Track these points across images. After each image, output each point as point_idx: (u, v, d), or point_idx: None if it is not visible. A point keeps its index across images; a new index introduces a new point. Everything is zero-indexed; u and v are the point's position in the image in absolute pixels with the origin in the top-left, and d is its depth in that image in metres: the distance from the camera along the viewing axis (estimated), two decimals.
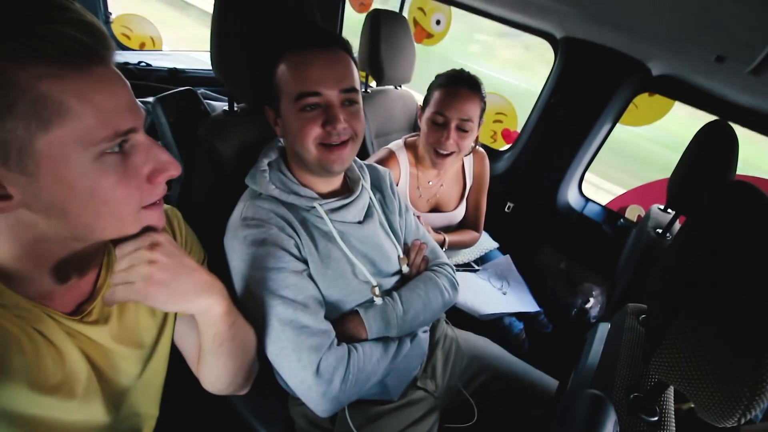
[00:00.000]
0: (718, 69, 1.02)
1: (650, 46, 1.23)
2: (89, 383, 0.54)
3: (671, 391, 0.51)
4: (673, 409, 0.49)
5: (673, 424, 0.47)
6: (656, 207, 1.36)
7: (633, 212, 1.92)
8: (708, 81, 1.29)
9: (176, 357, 0.71)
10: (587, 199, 1.88)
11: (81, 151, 0.41)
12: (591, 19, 1.21)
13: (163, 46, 2.58)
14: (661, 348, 0.38)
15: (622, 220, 1.77)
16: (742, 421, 0.35)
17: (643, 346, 0.45)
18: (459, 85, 1.15)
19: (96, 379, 0.55)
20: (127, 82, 0.46)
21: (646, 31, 1.06)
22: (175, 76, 1.94)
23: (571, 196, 1.83)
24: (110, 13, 2.24)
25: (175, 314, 0.68)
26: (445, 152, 1.18)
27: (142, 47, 2.46)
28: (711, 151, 1.06)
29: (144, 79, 1.84)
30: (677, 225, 1.19)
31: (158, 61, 1.98)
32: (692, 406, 0.40)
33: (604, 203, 1.89)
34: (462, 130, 1.16)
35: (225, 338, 0.61)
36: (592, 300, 1.66)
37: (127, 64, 1.85)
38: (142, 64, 1.89)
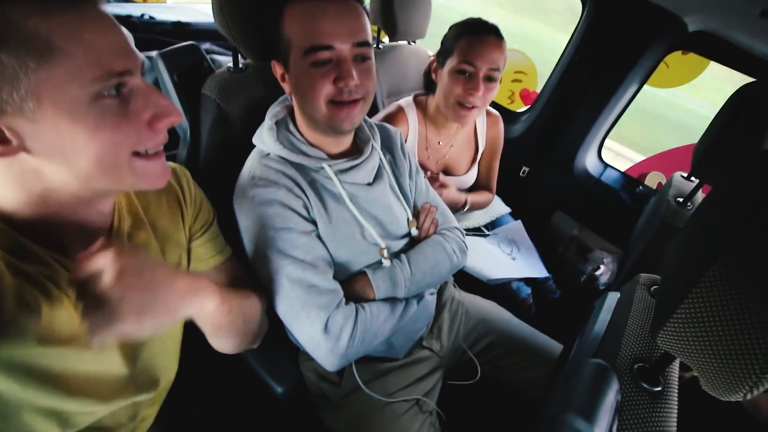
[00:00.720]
0: (763, 25, 0.93)
1: None
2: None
3: (677, 362, 0.51)
4: (677, 379, 0.49)
5: (676, 394, 0.47)
6: (679, 174, 1.31)
7: (653, 179, 1.86)
8: (750, 39, 1.19)
9: (191, 327, 0.73)
10: (606, 165, 1.81)
11: (76, 91, 0.41)
12: None
13: None
14: (672, 320, 0.37)
15: (641, 187, 1.71)
16: (748, 396, 0.34)
17: (652, 317, 0.44)
18: (486, 32, 1.08)
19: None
20: (120, 26, 0.45)
21: None
22: (179, 29, 1.88)
23: (589, 161, 1.76)
24: None
25: (188, 267, 0.70)
26: (470, 105, 1.12)
27: (145, 0, 2.37)
28: (746, 117, 0.99)
29: (148, 32, 1.79)
30: (700, 195, 1.14)
31: (162, 14, 1.91)
32: (695, 374, 0.39)
33: (623, 169, 1.83)
34: (490, 80, 1.11)
35: (223, 325, 0.61)
36: (602, 267, 1.65)
37: (130, 17, 1.79)
38: (146, 16, 1.83)
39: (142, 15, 1.83)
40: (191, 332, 0.71)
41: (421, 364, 0.95)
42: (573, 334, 0.73)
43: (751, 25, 1.03)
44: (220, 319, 0.60)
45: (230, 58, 0.92)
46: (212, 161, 0.90)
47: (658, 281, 0.62)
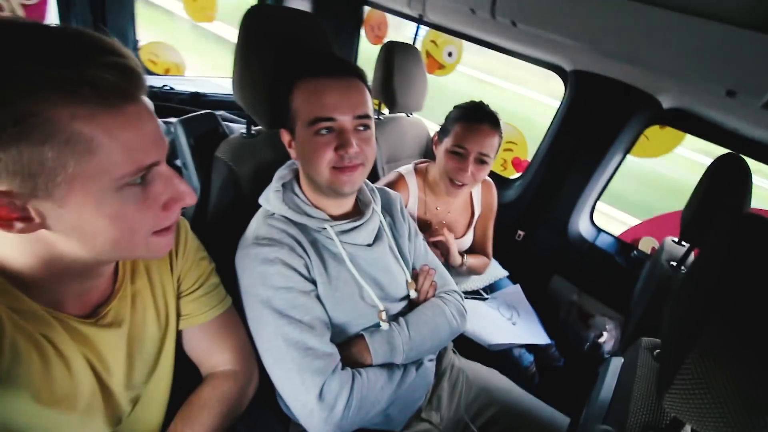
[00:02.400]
0: (729, 103, 1.02)
1: (660, 79, 1.25)
2: (92, 397, 0.54)
3: (688, 429, 0.49)
4: None
5: None
6: (670, 239, 1.34)
7: (647, 244, 1.89)
8: (719, 114, 1.29)
9: (181, 372, 0.71)
10: (599, 230, 1.86)
11: (107, 183, 0.44)
12: (601, 53, 1.23)
13: (186, 72, 2.69)
14: (676, 383, 0.37)
15: (635, 251, 1.74)
16: None
17: (656, 380, 0.43)
18: (480, 121, 1.17)
19: (99, 393, 0.55)
20: (155, 116, 0.49)
21: (656, 66, 1.07)
22: (196, 99, 2.02)
23: (582, 226, 1.81)
24: (138, 41, 2.36)
25: (177, 322, 0.69)
26: (460, 183, 1.19)
27: (167, 72, 2.57)
28: (724, 184, 1.05)
29: (167, 102, 1.92)
30: (692, 257, 1.17)
31: (181, 85, 2.06)
32: None
33: (616, 234, 1.87)
34: (481, 162, 1.19)
35: None
36: (605, 334, 1.61)
37: (152, 87, 1.94)
38: (166, 87, 1.98)
39: (164, 86, 1.98)
40: (180, 394, 0.68)
41: None
42: (579, 404, 0.70)
43: (719, 103, 1.13)
44: None
45: (241, 126, 0.99)
46: (219, 219, 0.93)
47: (660, 344, 0.62)
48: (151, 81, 2.03)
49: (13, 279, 0.48)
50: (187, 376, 0.71)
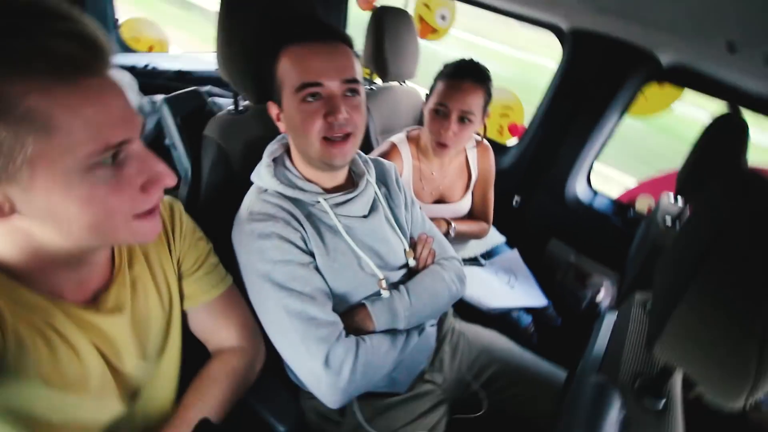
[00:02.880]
0: (730, 57, 1.00)
1: (659, 35, 1.21)
2: (104, 378, 0.55)
3: (678, 379, 0.51)
4: (680, 396, 0.49)
5: (680, 411, 0.47)
6: (666, 197, 1.35)
7: (643, 203, 1.90)
8: (719, 69, 1.27)
9: (191, 349, 0.73)
10: (596, 192, 1.86)
11: (71, 162, 0.41)
12: (598, 10, 1.19)
13: (170, 48, 2.61)
14: (665, 331, 0.38)
15: (632, 211, 1.75)
16: (751, 400, 0.34)
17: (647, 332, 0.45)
18: (463, 77, 1.15)
19: (110, 373, 0.56)
20: (123, 90, 0.46)
21: (655, 21, 1.04)
22: (182, 77, 1.96)
23: (579, 188, 1.81)
24: (117, 19, 2.27)
25: (181, 303, 0.70)
26: (443, 142, 1.18)
27: (150, 50, 2.49)
28: (722, 141, 1.04)
29: (152, 80, 1.87)
30: (687, 215, 1.18)
31: (166, 63, 2.00)
32: (699, 393, 0.39)
33: (615, 195, 1.87)
34: (463, 120, 1.16)
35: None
36: (602, 292, 1.65)
37: (134, 66, 1.88)
38: (150, 66, 1.92)
39: (146, 65, 1.92)
40: (190, 372, 0.71)
41: (425, 398, 0.92)
42: (576, 360, 0.72)
43: (719, 57, 1.11)
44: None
45: (229, 101, 0.97)
46: (212, 198, 0.93)
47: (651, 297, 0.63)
48: (134, 59, 1.97)
49: (9, 272, 0.47)
50: (196, 354, 0.73)
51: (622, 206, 1.81)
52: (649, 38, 1.31)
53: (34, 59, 0.37)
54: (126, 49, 2.36)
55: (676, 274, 0.42)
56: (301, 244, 0.76)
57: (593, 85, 1.58)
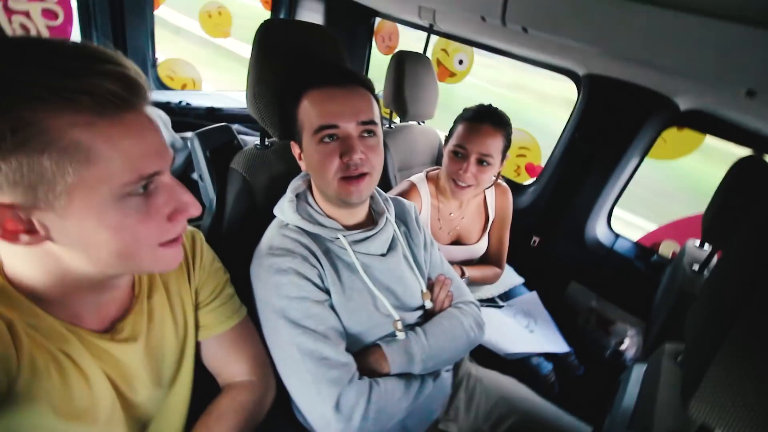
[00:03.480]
0: (749, 103, 1.00)
1: (677, 81, 1.23)
2: (113, 409, 0.55)
3: None
4: None
5: None
6: (692, 242, 1.30)
7: (667, 248, 1.84)
8: (739, 115, 1.26)
9: (201, 382, 0.72)
10: (617, 235, 1.82)
11: (107, 192, 0.43)
12: (614, 56, 1.22)
13: (203, 87, 2.77)
14: (701, 388, 0.36)
15: (656, 256, 1.70)
16: None
17: (681, 386, 0.42)
18: (482, 121, 1.17)
19: (120, 405, 0.56)
20: (158, 125, 0.49)
21: (673, 68, 1.05)
22: (212, 113, 2.07)
23: (599, 231, 1.78)
24: (156, 58, 2.45)
25: (196, 334, 0.70)
26: (463, 184, 1.19)
27: (183, 88, 2.65)
28: (746, 185, 1.02)
29: (184, 116, 1.98)
30: (715, 260, 1.13)
31: (198, 100, 2.12)
32: None
33: (635, 239, 1.83)
34: (482, 163, 1.18)
35: None
36: (627, 341, 1.57)
37: (169, 102, 2.00)
38: (183, 103, 2.04)
39: (180, 101, 2.04)
40: (199, 405, 0.69)
41: None
42: (601, 413, 0.68)
43: (739, 103, 1.10)
44: None
45: (255, 138, 1.01)
46: (234, 230, 0.94)
47: (684, 349, 0.60)
48: (169, 96, 2.10)
49: (30, 295, 0.48)
50: (206, 387, 0.71)
51: (645, 250, 1.76)
52: (666, 84, 1.32)
53: (81, 97, 0.40)
54: (162, 86, 2.53)
55: (711, 325, 0.40)
56: (317, 280, 0.76)
57: (611, 128, 1.58)
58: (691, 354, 0.43)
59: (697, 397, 0.36)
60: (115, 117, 0.43)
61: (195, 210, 0.53)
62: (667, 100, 1.43)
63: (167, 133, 1.54)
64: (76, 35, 2.01)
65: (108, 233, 0.45)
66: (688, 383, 0.39)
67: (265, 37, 0.88)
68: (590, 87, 1.61)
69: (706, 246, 1.27)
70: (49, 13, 1.89)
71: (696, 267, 1.13)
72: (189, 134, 0.98)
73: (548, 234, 1.84)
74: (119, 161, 0.43)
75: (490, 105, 1.23)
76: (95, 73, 0.41)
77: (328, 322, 0.74)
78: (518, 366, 1.24)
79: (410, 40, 2.47)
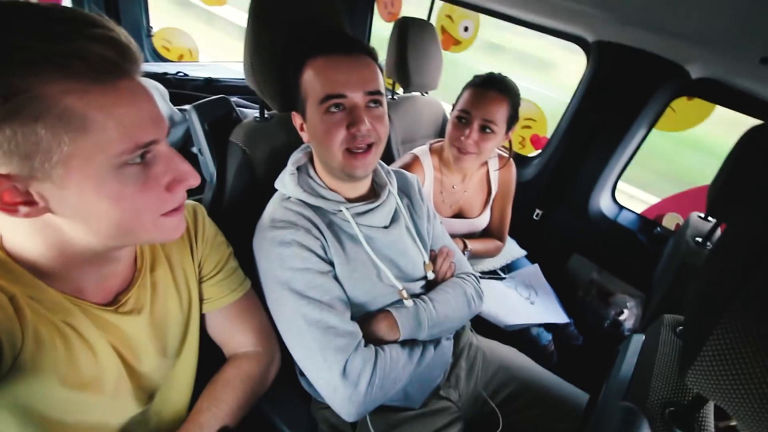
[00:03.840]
0: (763, 71, 0.97)
1: (689, 48, 1.18)
2: (119, 378, 0.56)
3: (711, 407, 0.48)
4: (712, 426, 0.46)
5: None
6: (696, 215, 1.30)
7: (671, 221, 1.84)
8: (753, 83, 1.22)
9: (206, 353, 0.74)
10: (621, 207, 1.81)
11: (104, 160, 0.43)
12: (625, 22, 1.17)
13: (199, 57, 2.70)
14: (699, 359, 0.36)
15: (659, 228, 1.69)
16: None
17: (679, 357, 0.42)
18: (488, 87, 1.15)
19: (126, 375, 0.57)
20: (152, 94, 0.48)
21: (685, 34, 1.01)
22: (210, 85, 2.03)
23: (603, 203, 1.77)
24: (151, 27, 2.37)
25: (200, 307, 0.71)
26: (464, 150, 1.18)
27: (180, 58, 2.58)
28: (756, 156, 1.00)
29: (181, 88, 1.93)
30: (719, 233, 1.13)
31: (195, 71, 2.07)
32: (733, 424, 0.37)
33: (639, 211, 1.82)
34: (485, 130, 1.16)
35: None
36: (626, 312, 1.59)
37: (166, 74, 1.95)
38: (180, 74, 1.99)
39: (177, 72, 1.99)
40: (205, 376, 0.71)
41: (439, 415, 0.90)
42: (599, 382, 0.70)
43: (753, 71, 1.07)
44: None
45: (256, 111, 0.99)
46: (235, 204, 0.94)
47: (683, 321, 0.61)
48: (165, 68, 2.04)
49: (33, 269, 0.49)
50: (211, 358, 0.73)
51: (649, 222, 1.75)
52: (677, 51, 1.28)
53: (73, 62, 0.39)
54: (158, 57, 2.46)
55: (712, 297, 0.40)
56: (320, 252, 0.76)
57: (619, 98, 1.54)
58: (691, 324, 0.44)
59: (695, 367, 0.37)
60: (109, 83, 0.42)
61: (194, 179, 0.52)
62: (678, 67, 1.38)
63: (165, 105, 1.51)
64: (67, 3, 1.95)
65: (107, 203, 0.45)
66: (686, 353, 0.40)
67: (261, 4, 0.84)
68: (599, 54, 1.55)
69: (710, 218, 1.27)
70: None
71: (699, 239, 1.13)
72: (187, 107, 0.96)
73: (551, 206, 1.83)
74: (114, 129, 0.42)
75: (499, 73, 1.19)
76: (86, 37, 0.39)
77: (333, 292, 0.75)
78: (518, 336, 1.27)
79: (412, 7, 2.37)
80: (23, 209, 0.42)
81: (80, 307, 0.52)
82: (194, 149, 0.99)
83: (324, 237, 0.78)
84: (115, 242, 0.50)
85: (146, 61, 2.36)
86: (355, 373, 0.70)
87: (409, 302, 0.83)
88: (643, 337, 0.64)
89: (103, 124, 0.42)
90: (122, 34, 0.43)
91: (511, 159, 1.38)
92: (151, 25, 2.37)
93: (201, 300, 0.71)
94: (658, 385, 0.50)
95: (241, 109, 1.07)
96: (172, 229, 0.53)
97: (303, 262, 0.74)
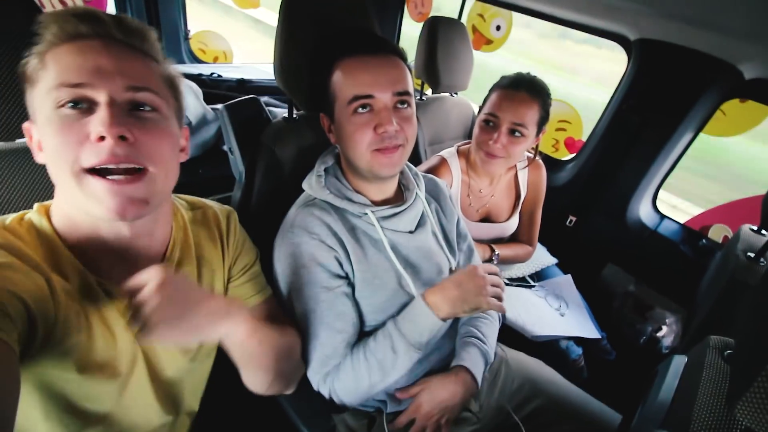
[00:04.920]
0: None
1: (742, 46, 1.10)
2: (135, 366, 0.58)
3: None
4: None
5: None
6: (747, 227, 1.20)
7: (718, 232, 1.71)
8: None
9: (220, 358, 0.74)
10: (662, 216, 1.70)
11: (46, 100, 0.46)
12: (671, 18, 1.10)
13: (234, 59, 2.78)
14: (753, 389, 0.32)
15: (704, 240, 1.58)
16: None
17: (727, 385, 0.38)
18: (517, 88, 1.10)
19: (144, 363, 0.59)
20: (119, 54, 0.49)
21: (738, 30, 0.94)
22: (242, 85, 2.08)
23: (643, 211, 1.67)
24: (189, 30, 2.47)
25: None
26: (492, 154, 1.14)
27: (215, 60, 2.67)
28: None
29: (215, 88, 2.00)
30: None
31: (229, 72, 2.14)
32: None
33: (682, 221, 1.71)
34: (514, 133, 1.11)
35: (254, 356, 0.62)
36: (665, 328, 1.50)
37: (201, 75, 2.02)
38: (215, 75, 2.06)
39: (212, 74, 2.07)
40: (227, 373, 0.72)
41: (458, 425, 0.88)
42: (633, 402, 0.65)
43: None
44: (251, 349, 0.60)
45: (284, 110, 1.00)
46: (263, 203, 0.95)
47: (732, 345, 0.55)
48: (200, 69, 2.12)
49: (70, 247, 0.52)
50: (227, 362, 0.73)
51: (693, 234, 1.64)
52: (728, 48, 1.19)
53: (61, 33, 0.47)
54: (195, 59, 2.56)
55: (766, 321, 0.36)
56: (333, 266, 0.76)
57: (664, 99, 1.45)
58: (742, 349, 0.40)
59: (747, 398, 0.33)
60: (73, 41, 0.47)
61: (105, 133, 0.46)
62: (730, 67, 1.28)
63: (199, 104, 1.56)
64: (110, 11, 2.06)
65: (46, 144, 0.48)
66: (736, 381, 0.36)
67: (291, 6, 0.85)
68: (642, 53, 1.47)
69: (765, 232, 1.17)
70: None
71: (752, 254, 1.04)
72: (220, 106, 0.98)
73: (586, 213, 1.75)
74: (55, 71, 0.46)
75: (528, 73, 1.15)
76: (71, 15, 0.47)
77: (335, 308, 0.75)
78: (546, 348, 1.21)
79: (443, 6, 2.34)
80: (39, 155, 0.49)
81: (109, 295, 0.53)
82: (225, 147, 1.01)
83: (343, 245, 0.78)
84: (63, 193, 0.51)
85: (182, 62, 2.46)
86: (325, 390, 0.77)
87: None
88: (686, 359, 0.59)
89: (52, 67, 0.46)
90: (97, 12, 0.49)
91: (540, 161, 1.33)
92: (188, 28, 2.47)
93: None
94: (702, 415, 0.46)
95: (270, 108, 1.08)
96: (103, 198, 0.47)
97: (310, 276, 0.75)
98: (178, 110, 0.58)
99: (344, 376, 0.75)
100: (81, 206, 0.49)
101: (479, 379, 0.84)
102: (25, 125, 0.53)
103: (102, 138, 0.46)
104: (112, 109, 0.46)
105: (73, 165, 0.46)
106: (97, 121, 0.46)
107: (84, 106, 0.47)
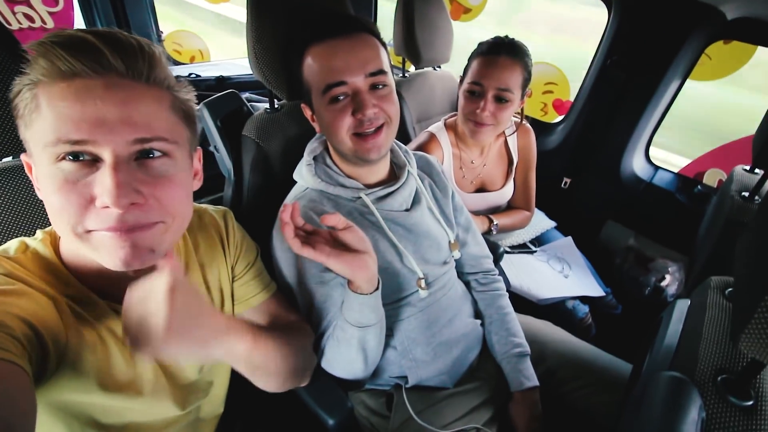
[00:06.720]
0: None
1: None
2: (156, 381, 0.58)
3: None
4: None
5: None
6: (740, 168, 1.20)
7: (712, 177, 1.71)
8: None
9: None
10: (656, 167, 1.70)
11: (42, 150, 0.43)
12: None
13: (211, 57, 2.72)
14: (754, 321, 0.33)
15: (699, 186, 1.58)
16: None
17: (730, 321, 0.39)
18: (498, 53, 1.09)
19: (164, 377, 0.59)
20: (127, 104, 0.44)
21: None
22: (222, 83, 2.05)
23: (637, 165, 1.67)
24: (161, 32, 2.41)
25: (232, 308, 0.72)
26: (480, 122, 1.13)
27: (192, 60, 2.62)
28: None
29: (195, 89, 1.96)
30: (767, 186, 1.04)
31: (207, 71, 2.09)
32: None
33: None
34: (500, 100, 1.10)
35: (259, 365, 0.61)
36: (668, 277, 1.51)
37: (178, 77, 1.98)
38: (193, 75, 2.02)
39: (189, 74, 2.03)
40: (239, 381, 0.72)
41: (475, 393, 0.89)
42: (641, 351, 0.66)
43: None
44: (257, 360, 0.59)
45: (266, 104, 0.98)
46: (255, 199, 0.95)
47: (732, 282, 0.56)
48: (177, 71, 2.08)
49: (77, 275, 0.51)
50: None
51: (688, 181, 1.64)
52: None
53: (54, 67, 0.42)
54: (171, 61, 2.51)
55: (764, 253, 0.36)
56: None
57: (647, 50, 1.43)
58: (742, 284, 0.40)
59: (749, 330, 0.34)
60: (68, 80, 0.41)
61: (115, 203, 0.43)
62: (712, 9, 1.26)
63: None
64: (80, 21, 2.01)
65: (49, 203, 0.44)
66: (739, 315, 0.36)
67: None
68: (623, 3, 1.44)
69: (757, 170, 1.17)
70: (49, 0, 1.88)
71: (746, 194, 1.04)
72: (198, 106, 0.96)
73: (580, 173, 1.75)
74: (51, 119, 0.42)
75: (506, 36, 1.13)
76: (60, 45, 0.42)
77: (333, 300, 0.76)
78: (553, 310, 1.23)
79: None
80: (39, 192, 0.46)
81: (118, 312, 0.53)
82: (211, 147, 1.00)
83: None
84: (76, 246, 0.47)
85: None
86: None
87: (423, 293, 0.83)
88: (689, 302, 0.60)
89: (46, 113, 0.42)
90: (90, 37, 0.43)
91: (528, 125, 1.32)
92: (161, 30, 2.40)
93: (233, 301, 0.72)
94: (708, 352, 0.47)
95: (253, 104, 1.07)
96: (110, 251, 0.45)
97: (305, 270, 0.76)
98: (192, 140, 0.54)
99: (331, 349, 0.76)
100: (85, 254, 0.48)
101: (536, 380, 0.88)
102: (24, 159, 0.49)
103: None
104: (118, 173, 0.42)
105: (75, 227, 0.43)
106: (102, 188, 0.42)
107: (86, 158, 0.43)
